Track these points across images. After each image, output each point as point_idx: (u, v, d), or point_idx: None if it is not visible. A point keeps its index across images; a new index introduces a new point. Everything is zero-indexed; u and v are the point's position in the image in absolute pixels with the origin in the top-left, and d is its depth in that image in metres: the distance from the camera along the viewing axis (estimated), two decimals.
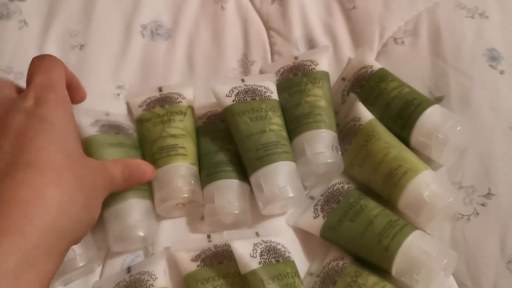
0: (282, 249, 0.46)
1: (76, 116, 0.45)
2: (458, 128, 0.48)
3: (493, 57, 0.55)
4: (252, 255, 0.44)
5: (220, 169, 0.49)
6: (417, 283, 0.42)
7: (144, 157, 0.51)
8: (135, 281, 0.45)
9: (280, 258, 0.44)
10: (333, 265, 0.47)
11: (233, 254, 0.44)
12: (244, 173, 0.49)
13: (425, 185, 0.46)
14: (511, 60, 0.55)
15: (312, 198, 0.51)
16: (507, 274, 0.45)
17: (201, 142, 0.51)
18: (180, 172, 0.48)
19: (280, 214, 0.50)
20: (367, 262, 0.46)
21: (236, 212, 0.47)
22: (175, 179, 0.48)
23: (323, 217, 0.48)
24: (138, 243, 0.48)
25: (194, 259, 0.46)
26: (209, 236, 0.47)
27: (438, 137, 0.48)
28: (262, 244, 0.45)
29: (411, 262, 0.43)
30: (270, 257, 0.44)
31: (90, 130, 0.50)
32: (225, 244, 0.46)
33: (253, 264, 0.43)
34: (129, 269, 0.47)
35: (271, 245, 0.45)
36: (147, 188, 0.49)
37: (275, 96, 0.53)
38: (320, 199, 0.50)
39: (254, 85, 0.53)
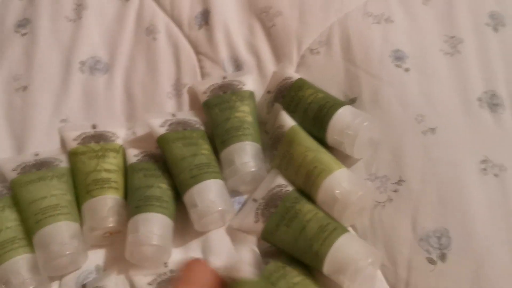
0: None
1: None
2: (365, 123, 0.54)
3: (398, 57, 0.61)
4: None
5: (150, 203, 0.52)
6: (344, 283, 0.47)
7: (76, 187, 0.55)
8: None
9: None
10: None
11: None
12: (170, 210, 0.53)
13: (337, 183, 0.51)
14: (415, 58, 0.61)
15: (254, 200, 0.55)
16: (419, 250, 0.50)
17: (134, 177, 0.55)
18: (112, 203, 0.53)
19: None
20: (302, 264, 0.50)
21: (155, 243, 0.50)
22: (107, 209, 0.52)
23: (263, 222, 0.53)
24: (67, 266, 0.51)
25: (150, 283, 0.50)
26: (165, 263, 0.52)
27: (348, 133, 0.54)
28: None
29: (338, 265, 0.47)
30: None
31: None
32: (180, 270, 0.50)
33: None
34: (83, 286, 0.51)
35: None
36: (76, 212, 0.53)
37: (203, 128, 0.59)
38: (262, 203, 0.54)
39: (185, 118, 0.59)
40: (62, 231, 0.51)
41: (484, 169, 0.54)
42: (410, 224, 0.51)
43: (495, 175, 0.53)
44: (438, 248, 0.50)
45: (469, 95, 0.58)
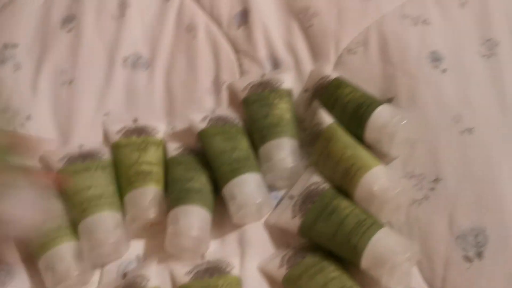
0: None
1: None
2: (404, 122, 0.55)
3: (435, 59, 0.61)
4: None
5: (190, 196, 0.53)
6: (382, 276, 0.48)
7: (119, 178, 0.57)
8: (130, 284, 0.51)
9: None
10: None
11: (222, 270, 0.51)
12: (209, 203, 0.54)
13: (375, 180, 0.51)
14: (452, 59, 0.61)
15: (291, 197, 0.56)
16: (456, 248, 0.50)
17: (175, 170, 0.56)
18: (154, 195, 0.55)
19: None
20: (339, 258, 0.51)
21: (194, 235, 0.52)
22: (148, 201, 0.54)
23: (300, 217, 0.53)
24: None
25: (187, 273, 0.52)
26: (203, 254, 0.53)
27: (386, 131, 0.54)
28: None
29: (377, 258, 0.48)
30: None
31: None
32: (217, 259, 0.52)
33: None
34: (124, 275, 0.53)
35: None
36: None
37: (241, 124, 0.60)
38: (298, 199, 0.55)
39: (224, 114, 0.60)
40: (106, 220, 0.53)
41: None
42: (447, 222, 0.52)
43: None
44: (475, 246, 0.50)
45: (506, 97, 0.59)
